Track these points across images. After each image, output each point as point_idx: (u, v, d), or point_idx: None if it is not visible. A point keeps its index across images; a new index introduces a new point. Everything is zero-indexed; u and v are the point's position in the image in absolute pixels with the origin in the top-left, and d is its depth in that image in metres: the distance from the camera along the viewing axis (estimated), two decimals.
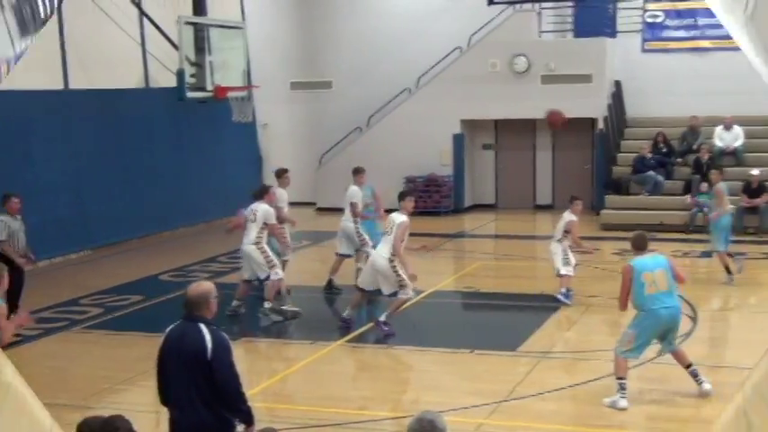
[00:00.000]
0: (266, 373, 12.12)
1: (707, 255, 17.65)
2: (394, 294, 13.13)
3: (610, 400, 10.28)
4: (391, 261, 12.94)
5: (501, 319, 15.11)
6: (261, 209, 14.37)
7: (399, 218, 13.01)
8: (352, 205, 15.88)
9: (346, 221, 16.00)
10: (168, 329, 6.75)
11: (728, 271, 16.16)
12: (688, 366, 10.50)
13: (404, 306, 13.41)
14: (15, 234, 13.74)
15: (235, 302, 14.51)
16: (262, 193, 14.73)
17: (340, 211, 18.41)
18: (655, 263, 10.35)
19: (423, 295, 15.64)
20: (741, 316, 15.03)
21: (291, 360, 12.61)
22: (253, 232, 14.37)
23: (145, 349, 12.67)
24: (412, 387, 11.46)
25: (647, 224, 18.95)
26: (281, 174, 16.48)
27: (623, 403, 10.20)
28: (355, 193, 15.92)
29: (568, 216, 15.16)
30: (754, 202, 21.03)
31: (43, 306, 15.31)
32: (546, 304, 14.97)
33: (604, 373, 11.24)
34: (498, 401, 10.41)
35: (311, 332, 13.90)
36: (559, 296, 14.94)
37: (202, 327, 6.53)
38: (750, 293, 15.93)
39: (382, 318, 13.24)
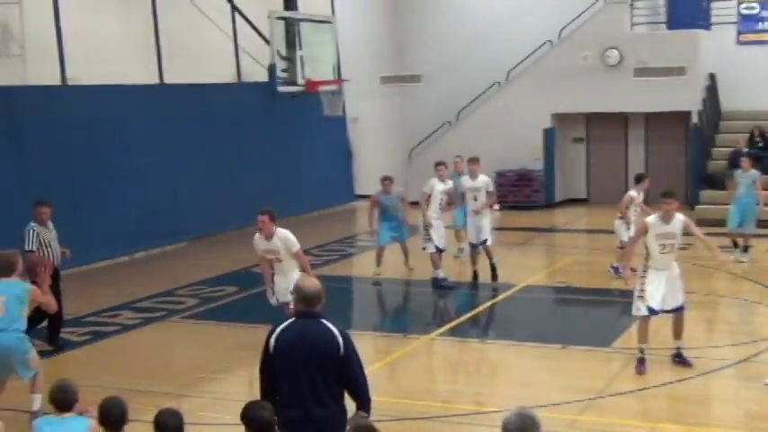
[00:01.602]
0: None
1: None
2: None
3: None
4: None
5: (594, 314, 14.94)
6: None
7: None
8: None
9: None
10: (280, 327, 6.47)
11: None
12: None
13: None
14: (48, 243, 12.57)
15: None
16: None
17: None
18: None
19: (514, 290, 15.59)
20: None
21: (382, 353, 12.65)
22: None
23: (240, 339, 12.90)
24: (501, 382, 11.40)
25: None
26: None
27: None
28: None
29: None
30: None
31: (141, 296, 15.66)
32: None
33: (701, 370, 11.06)
34: (591, 398, 10.29)
35: (403, 325, 13.91)
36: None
37: (328, 323, 6.44)
38: None
39: None
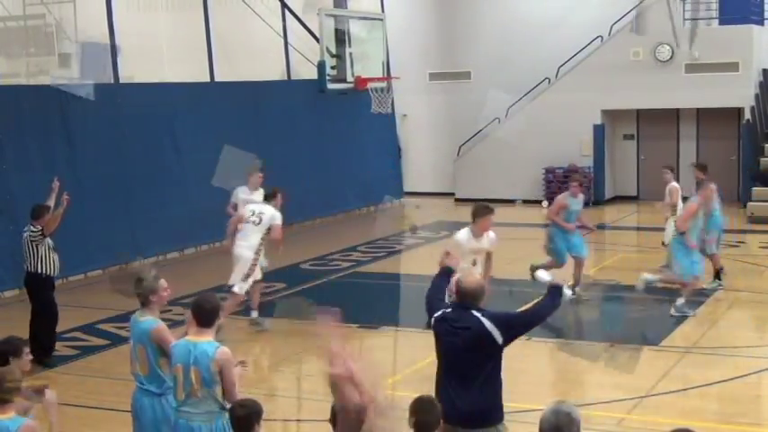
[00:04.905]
0: (405, 362, 12.21)
1: None
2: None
3: None
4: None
5: (643, 312, 14.81)
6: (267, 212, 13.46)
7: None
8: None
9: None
10: (435, 316, 7.01)
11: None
12: None
13: None
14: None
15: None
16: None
17: (480, 201, 18.35)
18: None
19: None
20: None
21: (429, 349, 12.63)
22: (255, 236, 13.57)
23: (288, 334, 12.98)
24: (551, 380, 11.38)
25: None
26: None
27: None
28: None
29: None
30: None
31: (190, 293, 15.73)
32: (691, 299, 14.63)
33: (751, 369, 10.97)
34: (640, 396, 10.26)
35: None
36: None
37: (477, 314, 6.81)
38: None
39: None
